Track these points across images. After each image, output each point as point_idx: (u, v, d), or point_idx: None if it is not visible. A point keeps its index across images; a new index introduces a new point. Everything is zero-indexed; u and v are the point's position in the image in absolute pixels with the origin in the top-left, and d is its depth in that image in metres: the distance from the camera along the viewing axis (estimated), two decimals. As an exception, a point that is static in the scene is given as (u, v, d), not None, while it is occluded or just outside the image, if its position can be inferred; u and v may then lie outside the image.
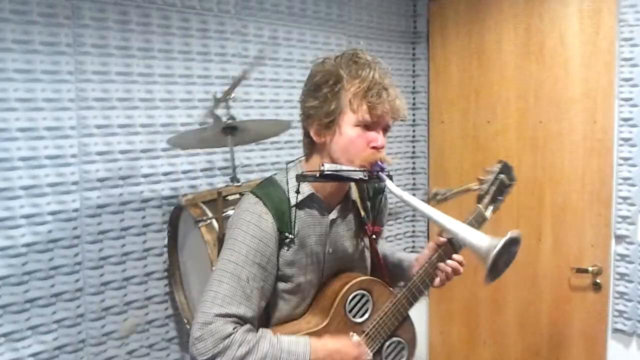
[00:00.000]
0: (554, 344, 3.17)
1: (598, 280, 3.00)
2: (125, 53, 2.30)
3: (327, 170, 1.54)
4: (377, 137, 1.61)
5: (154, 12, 2.37)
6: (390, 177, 1.59)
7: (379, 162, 1.59)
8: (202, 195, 2.28)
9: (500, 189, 1.98)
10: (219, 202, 2.11)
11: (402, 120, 1.69)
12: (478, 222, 1.91)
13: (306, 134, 1.69)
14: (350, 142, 1.60)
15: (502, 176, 1.96)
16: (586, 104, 3.01)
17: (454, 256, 1.82)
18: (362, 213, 1.82)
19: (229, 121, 2.20)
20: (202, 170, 2.57)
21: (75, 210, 2.19)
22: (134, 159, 2.35)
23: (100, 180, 2.26)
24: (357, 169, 1.58)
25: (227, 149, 2.25)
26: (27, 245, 2.08)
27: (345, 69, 1.62)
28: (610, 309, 3.01)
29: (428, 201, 1.85)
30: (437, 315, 3.58)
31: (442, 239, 1.82)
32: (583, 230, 3.05)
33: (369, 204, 1.86)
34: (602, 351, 3.03)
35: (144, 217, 2.38)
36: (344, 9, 3.14)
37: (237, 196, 2.20)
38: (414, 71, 3.59)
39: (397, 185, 1.59)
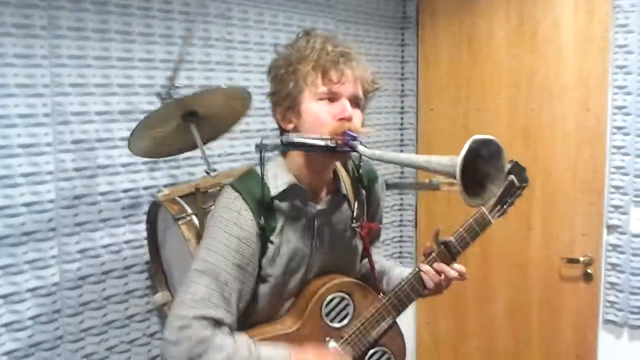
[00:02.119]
0: (544, 335, 3.14)
1: (589, 271, 2.97)
2: (103, 36, 2.19)
3: (289, 139, 1.50)
4: (344, 108, 1.52)
5: (133, -7, 2.26)
6: (364, 145, 1.49)
7: (349, 132, 1.49)
8: (179, 190, 2.17)
9: (510, 191, 1.86)
10: (197, 197, 2.01)
11: (374, 89, 1.61)
12: (480, 225, 1.81)
13: (278, 125, 1.63)
14: (315, 118, 1.53)
15: (511, 177, 1.85)
16: (579, 91, 2.96)
17: (455, 266, 1.73)
18: (355, 206, 1.72)
19: (172, 92, 2.10)
20: (184, 159, 2.47)
21: (51, 201, 2.08)
22: (111, 148, 2.25)
23: (77, 169, 2.15)
24: (325, 137, 1.49)
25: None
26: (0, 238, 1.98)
27: (296, 48, 1.57)
28: (601, 300, 2.98)
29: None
30: (424, 306, 3.52)
31: (434, 243, 1.74)
32: (574, 219, 3.01)
33: (364, 193, 1.77)
34: (593, 342, 3.00)
35: (122, 209, 2.29)
36: (332, -8, 3.05)
37: (217, 189, 2.10)
38: (402, 57, 3.50)
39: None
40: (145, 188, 2.35)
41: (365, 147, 1.49)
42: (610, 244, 2.92)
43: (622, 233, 2.88)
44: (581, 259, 2.97)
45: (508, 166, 1.83)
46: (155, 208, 2.21)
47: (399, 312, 1.71)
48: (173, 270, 2.25)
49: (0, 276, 1.97)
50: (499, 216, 1.86)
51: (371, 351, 1.68)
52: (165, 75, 2.36)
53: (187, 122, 2.11)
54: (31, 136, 2.02)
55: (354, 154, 1.51)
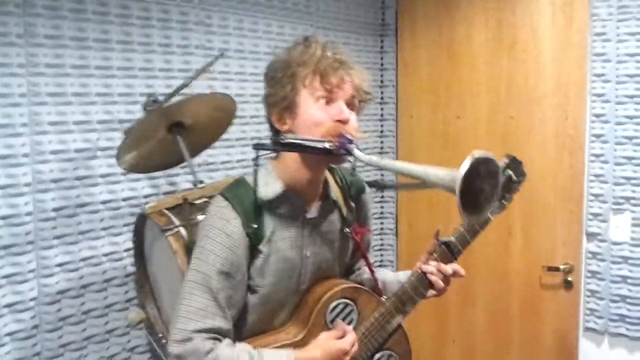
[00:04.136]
0: (524, 342, 3.14)
1: (569, 279, 2.98)
2: (80, 44, 2.13)
3: (288, 139, 1.51)
4: (341, 110, 1.53)
5: (111, 0, 2.21)
6: (359, 149, 1.49)
7: (345, 135, 1.49)
8: (166, 202, 2.13)
9: (507, 187, 1.82)
10: (185, 208, 1.98)
11: (368, 99, 1.61)
12: (479, 222, 1.78)
13: (271, 127, 1.62)
14: (311, 119, 1.52)
15: (509, 172, 1.81)
16: (558, 99, 2.98)
17: (452, 265, 1.72)
18: (345, 212, 1.72)
19: (152, 100, 2.07)
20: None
21: (28, 213, 2.02)
22: (90, 158, 2.19)
23: (55, 181, 2.09)
24: (321, 139, 1.49)
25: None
26: (-24, 252, 1.92)
27: (296, 51, 1.58)
28: (581, 307, 2.99)
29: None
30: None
31: (434, 244, 1.73)
32: (554, 227, 3.02)
33: (352, 204, 1.76)
34: (574, 350, 3.01)
35: (101, 220, 2.23)
36: (312, 0, 3.02)
37: (204, 199, 2.07)
38: (382, 64, 3.49)
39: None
40: (125, 199, 2.31)
41: (362, 151, 1.48)
42: (590, 251, 2.94)
43: (602, 240, 2.90)
44: (561, 266, 2.98)
45: (505, 160, 1.81)
46: (142, 220, 2.17)
47: (404, 315, 1.72)
48: (160, 283, 2.21)
49: (-24, 292, 1.91)
50: (499, 212, 1.83)
51: (377, 355, 1.70)
52: (144, 83, 2.33)
53: (173, 134, 2.08)
54: (8, 147, 1.96)
55: (349, 159, 1.52)
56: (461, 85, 3.26)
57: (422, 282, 1.70)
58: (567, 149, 2.97)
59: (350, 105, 1.56)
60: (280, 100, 1.55)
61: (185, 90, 2.26)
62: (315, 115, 1.52)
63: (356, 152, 1.48)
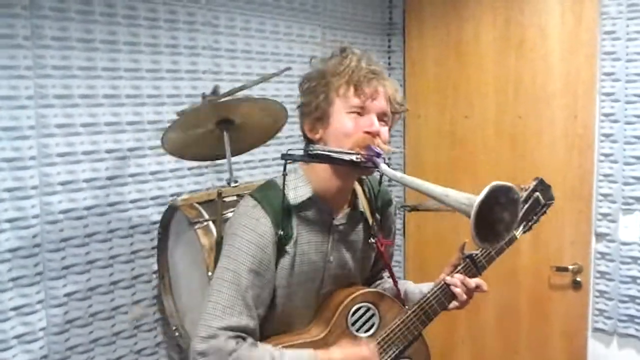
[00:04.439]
0: (533, 343, 3.12)
1: (578, 279, 2.96)
2: (88, 46, 2.12)
3: (315, 150, 1.53)
4: (372, 122, 1.54)
5: (118, 1, 2.20)
6: (387, 163, 1.52)
7: (373, 147, 1.51)
8: (197, 197, 2.18)
9: (534, 208, 1.86)
10: (218, 203, 2.00)
11: (401, 110, 1.63)
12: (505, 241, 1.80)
13: (304, 135, 1.65)
14: (342, 129, 1.55)
15: (536, 194, 1.86)
16: (567, 98, 2.96)
17: (476, 280, 1.73)
18: (371, 223, 1.73)
19: (213, 96, 2.12)
20: (170, 171, 2.42)
21: (35, 216, 2.01)
22: (98, 160, 2.18)
23: (62, 184, 2.08)
24: (349, 151, 1.51)
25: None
26: (-17, 255, 1.91)
27: (331, 62, 1.61)
28: (590, 308, 2.97)
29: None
30: (412, 314, 3.49)
31: (459, 257, 1.73)
32: (563, 227, 3.00)
33: (378, 216, 1.78)
34: (583, 350, 2.99)
35: (109, 223, 2.23)
36: (319, 0, 3.01)
37: (235, 198, 2.11)
38: (389, 64, 3.47)
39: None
40: (133, 201, 2.30)
41: (388, 166, 1.50)
42: (599, 251, 2.92)
43: (611, 241, 2.88)
44: (570, 267, 2.97)
45: (533, 183, 1.86)
46: (171, 212, 2.21)
47: (424, 325, 1.72)
48: (180, 277, 2.24)
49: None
50: (524, 232, 1.87)
51: None
52: (152, 85, 2.33)
53: (220, 129, 2.11)
54: (15, 150, 1.95)
55: (375, 172, 1.55)
56: (469, 85, 3.24)
57: (446, 294, 1.71)
58: (576, 148, 2.95)
59: (382, 117, 1.57)
60: (313, 110, 1.58)
61: (190, 91, 2.28)
62: (346, 126, 1.54)
63: (382, 166, 1.49)
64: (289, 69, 2.42)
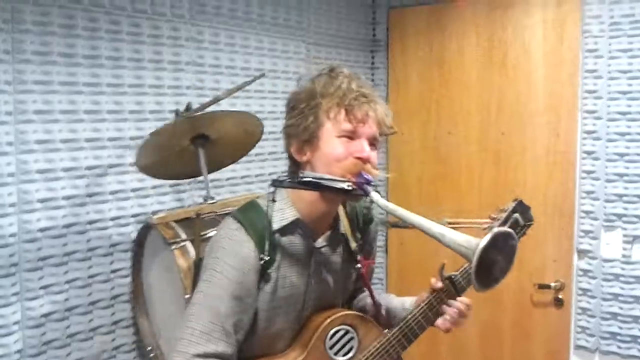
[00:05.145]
0: (516, 360, 3.12)
1: (560, 296, 2.97)
2: (69, 61, 2.08)
3: (306, 177, 1.48)
4: (362, 147, 1.50)
5: (101, 16, 2.16)
6: (377, 191, 1.49)
7: (364, 174, 1.48)
8: (174, 215, 2.12)
9: (513, 229, 1.85)
10: (196, 223, 1.96)
11: (390, 133, 1.61)
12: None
13: (289, 157, 1.60)
14: (331, 154, 1.50)
15: (516, 215, 1.82)
16: (549, 116, 2.98)
17: (459, 299, 1.70)
18: (354, 246, 1.70)
19: (185, 113, 2.08)
20: (152, 187, 2.38)
21: (13, 235, 1.96)
22: (78, 177, 2.14)
23: (41, 201, 2.03)
24: (340, 178, 1.48)
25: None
26: (-41, 274, 1.86)
27: (320, 83, 1.55)
28: (572, 325, 2.98)
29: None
30: (394, 331, 3.47)
31: (439, 284, 1.69)
32: (545, 244, 3.01)
33: (359, 235, 1.74)
34: (565, 368, 2.99)
35: (88, 241, 2.17)
36: (303, 16, 3.00)
37: (213, 216, 2.07)
38: (372, 80, 3.46)
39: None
40: (113, 219, 2.25)
41: (379, 193, 1.48)
42: (581, 269, 2.93)
43: (593, 258, 2.89)
44: (552, 284, 2.97)
45: (512, 204, 1.83)
46: (145, 231, 2.16)
47: (404, 348, 1.69)
48: (155, 297, 2.19)
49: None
50: None
51: None
52: (134, 100, 2.29)
53: (196, 145, 2.08)
54: (-7, 166, 1.91)
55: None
56: (452, 102, 3.24)
57: (426, 317, 1.69)
58: (559, 165, 2.96)
59: (372, 141, 1.54)
60: (301, 132, 1.53)
61: (173, 107, 2.25)
62: (336, 151, 1.50)
63: (373, 194, 1.46)
64: (263, 75, 2.39)
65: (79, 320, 2.17)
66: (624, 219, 2.82)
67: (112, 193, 2.24)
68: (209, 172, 2.14)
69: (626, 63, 2.78)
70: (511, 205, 1.83)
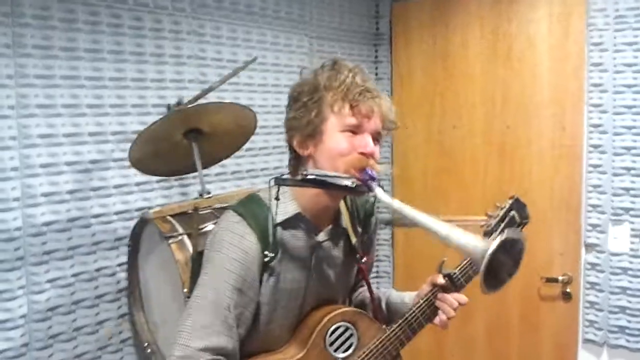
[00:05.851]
0: (523, 354, 3.10)
1: (568, 290, 2.95)
2: (71, 55, 2.08)
3: (310, 175, 1.44)
4: (366, 143, 1.49)
5: (103, 9, 2.16)
6: (381, 187, 1.46)
7: (368, 170, 1.46)
8: (170, 209, 2.11)
9: (510, 227, 1.84)
10: (193, 217, 1.94)
11: (393, 128, 1.58)
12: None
13: (291, 150, 1.58)
14: (335, 149, 1.49)
15: (513, 213, 1.82)
16: (555, 109, 2.95)
17: (455, 295, 1.69)
18: (354, 240, 1.68)
19: (179, 106, 2.07)
20: (157, 181, 2.38)
21: (17, 229, 1.96)
22: (82, 172, 2.14)
23: (45, 195, 2.03)
24: (344, 175, 1.45)
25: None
26: (-37, 269, 1.86)
27: (324, 76, 1.53)
28: (580, 319, 2.96)
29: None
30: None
31: (440, 280, 1.69)
32: (552, 238, 2.99)
33: (359, 229, 1.73)
34: (573, 362, 2.97)
35: (93, 235, 2.18)
36: (305, 9, 2.99)
37: (209, 210, 2.05)
38: (376, 74, 3.45)
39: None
40: (117, 213, 2.25)
41: (383, 189, 1.46)
42: (589, 262, 2.91)
43: (601, 252, 2.87)
44: (560, 278, 2.95)
45: (509, 202, 1.83)
46: (141, 225, 2.14)
47: (403, 345, 1.68)
48: (152, 292, 2.17)
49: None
50: None
51: None
52: (137, 94, 2.29)
53: (189, 139, 2.06)
54: (-4, 160, 1.91)
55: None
56: (457, 95, 3.23)
57: (425, 314, 1.68)
58: (565, 159, 2.94)
59: (375, 136, 1.53)
60: (304, 126, 1.51)
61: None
62: (340, 145, 1.48)
63: (377, 190, 1.44)
64: (255, 59, 2.36)
65: (85, 314, 2.17)
66: (632, 212, 2.80)
67: (116, 187, 2.25)
68: (204, 167, 2.12)
69: (631, 56, 2.75)
70: (508, 202, 1.83)
